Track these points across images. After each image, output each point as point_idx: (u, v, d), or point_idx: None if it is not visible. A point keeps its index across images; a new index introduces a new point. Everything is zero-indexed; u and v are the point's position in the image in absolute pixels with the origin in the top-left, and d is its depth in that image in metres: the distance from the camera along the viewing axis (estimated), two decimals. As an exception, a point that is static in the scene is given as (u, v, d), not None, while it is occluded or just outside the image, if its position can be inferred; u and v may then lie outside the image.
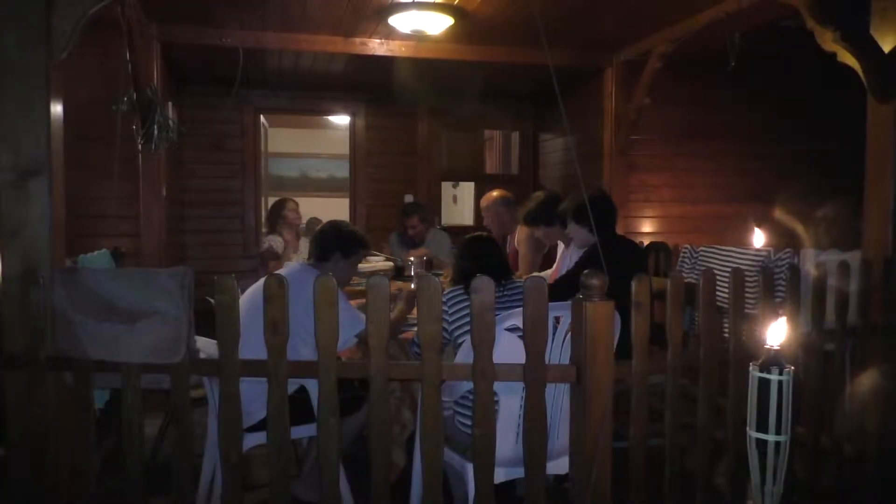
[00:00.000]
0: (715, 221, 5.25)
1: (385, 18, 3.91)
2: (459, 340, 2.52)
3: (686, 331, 2.64)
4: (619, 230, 4.49)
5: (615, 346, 1.93)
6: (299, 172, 9.47)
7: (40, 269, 1.96)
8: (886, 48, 2.47)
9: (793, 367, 1.42)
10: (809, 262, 2.76)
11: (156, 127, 3.80)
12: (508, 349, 2.03)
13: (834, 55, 2.53)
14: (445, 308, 2.57)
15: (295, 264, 3.04)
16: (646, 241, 4.71)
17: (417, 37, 4.32)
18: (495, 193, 4.74)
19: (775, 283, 2.25)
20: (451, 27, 3.96)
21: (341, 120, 7.27)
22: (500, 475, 2.15)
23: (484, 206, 4.77)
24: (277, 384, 1.86)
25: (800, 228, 3.74)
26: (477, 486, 1.92)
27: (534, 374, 1.88)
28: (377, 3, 3.81)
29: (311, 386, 2.36)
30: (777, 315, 1.86)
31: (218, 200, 6.14)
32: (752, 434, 1.44)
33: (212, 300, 1.88)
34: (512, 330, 2.12)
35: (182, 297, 1.87)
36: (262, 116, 6.44)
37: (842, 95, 3.29)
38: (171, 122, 3.98)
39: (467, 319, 2.31)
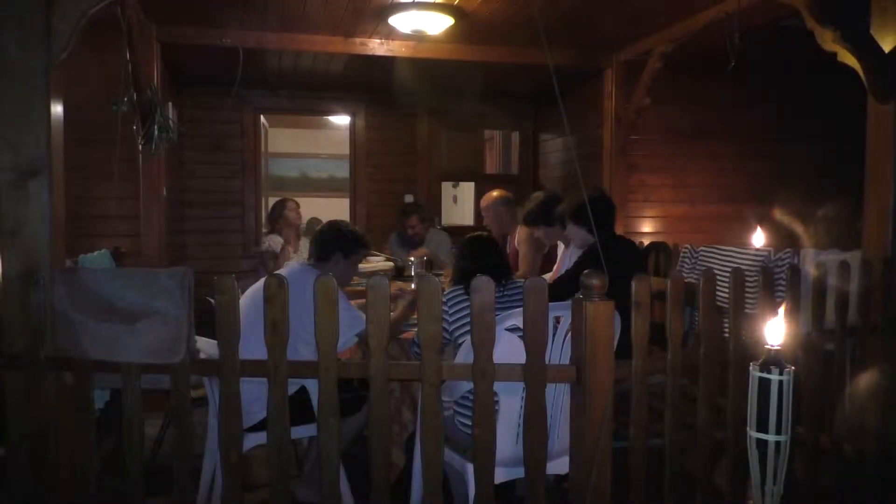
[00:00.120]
0: (715, 221, 5.26)
1: (385, 18, 3.91)
2: (459, 340, 2.52)
3: (686, 331, 2.64)
4: (619, 230, 4.50)
5: (615, 346, 1.93)
6: (299, 172, 9.47)
7: (40, 269, 1.96)
8: (886, 48, 2.47)
9: (793, 367, 1.42)
10: (809, 262, 2.76)
11: (156, 127, 3.80)
12: (508, 349, 2.02)
13: (834, 55, 2.53)
14: (445, 308, 2.57)
15: (295, 264, 3.04)
16: (646, 241, 4.71)
17: (417, 37, 4.32)
18: (495, 193, 4.74)
19: (775, 283, 2.25)
20: (451, 27, 3.96)
21: (341, 120, 7.28)
22: (500, 475, 2.15)
23: (484, 206, 4.77)
24: (277, 384, 1.86)
25: (800, 228, 3.74)
26: (477, 486, 1.92)
27: (534, 374, 1.88)
28: (377, 3, 3.81)
29: (311, 386, 2.36)
30: (776, 313, 1.86)
31: (218, 200, 6.14)
32: (753, 434, 1.44)
33: (212, 300, 1.88)
34: (512, 330, 2.12)
35: (182, 297, 1.87)
36: (262, 116, 6.44)
37: (842, 95, 3.29)
38: (171, 123, 3.98)
39: (467, 319, 2.32)
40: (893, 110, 2.51)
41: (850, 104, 2.96)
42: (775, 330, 1.45)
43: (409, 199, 6.43)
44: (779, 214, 4.33)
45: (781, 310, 2.20)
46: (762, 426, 1.42)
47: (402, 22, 3.82)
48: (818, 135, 5.33)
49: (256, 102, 6.20)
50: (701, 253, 3.59)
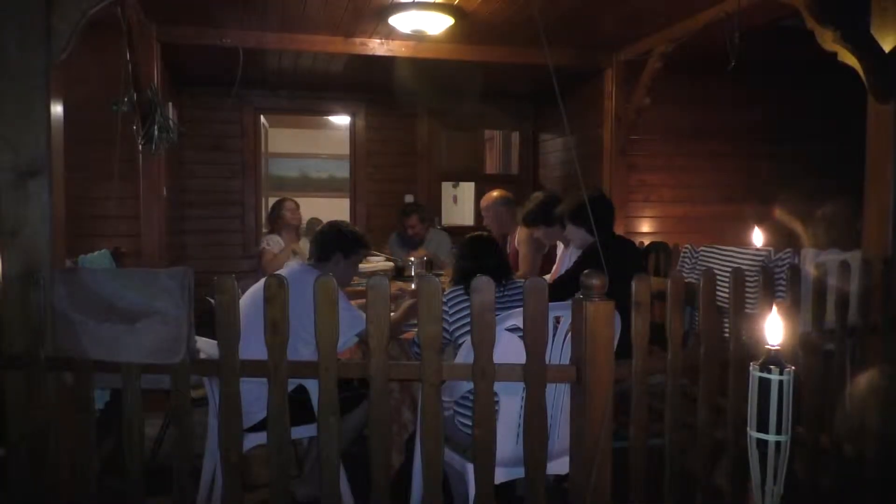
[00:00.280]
0: (715, 221, 5.26)
1: (385, 18, 3.91)
2: (460, 340, 2.52)
3: (686, 331, 2.64)
4: (619, 230, 4.50)
5: (615, 346, 1.93)
6: (299, 172, 9.47)
7: (40, 270, 1.96)
8: (886, 48, 2.47)
9: (793, 367, 1.42)
10: (809, 261, 2.77)
11: (156, 127, 3.80)
12: (508, 349, 2.03)
13: (834, 55, 2.53)
14: (446, 308, 2.57)
15: (295, 264, 3.03)
16: (646, 241, 4.71)
17: (417, 37, 4.32)
18: (495, 193, 4.74)
19: (775, 283, 2.25)
20: (451, 27, 3.96)
21: (341, 120, 7.28)
22: (500, 475, 2.15)
23: (484, 206, 4.77)
24: (277, 384, 1.86)
25: (800, 228, 3.74)
26: (477, 486, 1.92)
27: (534, 374, 1.88)
28: (377, 3, 3.81)
29: (311, 386, 2.36)
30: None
31: (218, 200, 6.14)
32: (753, 434, 1.44)
33: (212, 300, 1.88)
34: (512, 330, 2.12)
35: (182, 297, 1.87)
36: (262, 116, 6.44)
37: (842, 95, 3.29)
38: (171, 123, 3.98)
39: (467, 319, 2.32)
40: (893, 110, 2.51)
41: (850, 104, 2.96)
42: (775, 330, 1.45)
43: (409, 199, 6.43)
44: (779, 214, 4.33)
45: (776, 309, 2.20)
46: (762, 426, 1.42)
47: (402, 22, 3.82)
48: (818, 135, 5.33)
49: (256, 102, 6.20)
50: (701, 253, 3.59)
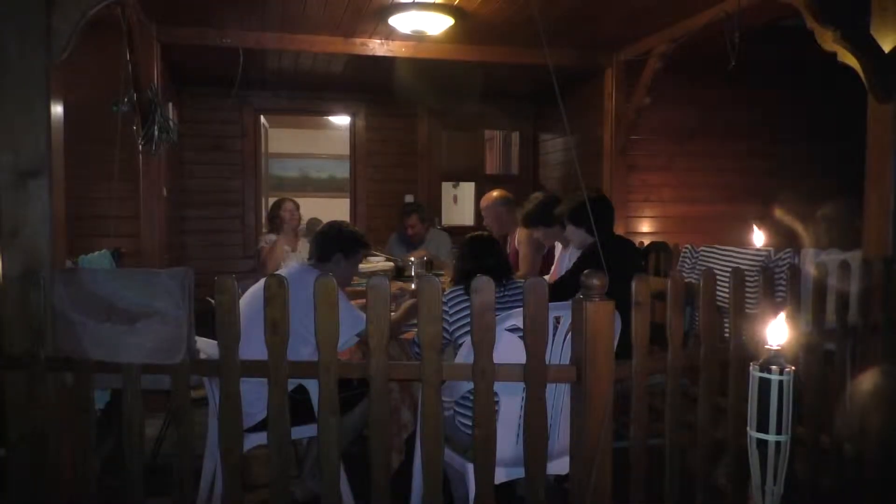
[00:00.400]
0: (715, 221, 5.25)
1: (385, 19, 3.91)
2: (460, 341, 2.52)
3: (686, 331, 2.64)
4: (619, 230, 4.50)
5: (615, 346, 1.93)
6: (299, 173, 9.47)
7: (40, 270, 1.96)
8: (886, 48, 2.47)
9: (793, 367, 1.42)
10: (810, 261, 2.76)
11: (156, 127, 3.80)
12: (508, 349, 2.03)
13: (834, 55, 2.53)
14: (446, 308, 2.57)
15: (295, 264, 3.03)
16: (646, 241, 4.71)
17: (417, 37, 4.32)
18: (495, 194, 4.74)
19: (775, 283, 2.25)
20: (451, 27, 3.96)
21: (341, 120, 7.28)
22: (500, 475, 2.15)
23: (484, 206, 4.77)
24: (277, 384, 1.86)
25: (800, 228, 3.74)
26: (477, 487, 1.92)
27: (534, 374, 1.88)
28: (377, 3, 3.81)
29: (311, 386, 2.36)
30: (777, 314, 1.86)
31: (218, 200, 6.14)
32: (753, 434, 1.44)
33: (212, 300, 1.88)
34: (512, 330, 2.12)
35: (182, 297, 1.87)
36: (262, 117, 6.44)
37: (842, 95, 3.29)
38: (171, 123, 3.98)
39: (468, 320, 2.31)
40: (893, 110, 2.51)
41: (850, 104, 2.96)
42: (775, 330, 1.45)
43: (409, 199, 6.43)
44: (779, 214, 4.32)
45: (782, 315, 2.20)
46: (762, 426, 1.42)
47: (402, 22, 3.82)
48: (818, 135, 5.33)
49: (256, 103, 6.20)
50: (701, 253, 3.59)
